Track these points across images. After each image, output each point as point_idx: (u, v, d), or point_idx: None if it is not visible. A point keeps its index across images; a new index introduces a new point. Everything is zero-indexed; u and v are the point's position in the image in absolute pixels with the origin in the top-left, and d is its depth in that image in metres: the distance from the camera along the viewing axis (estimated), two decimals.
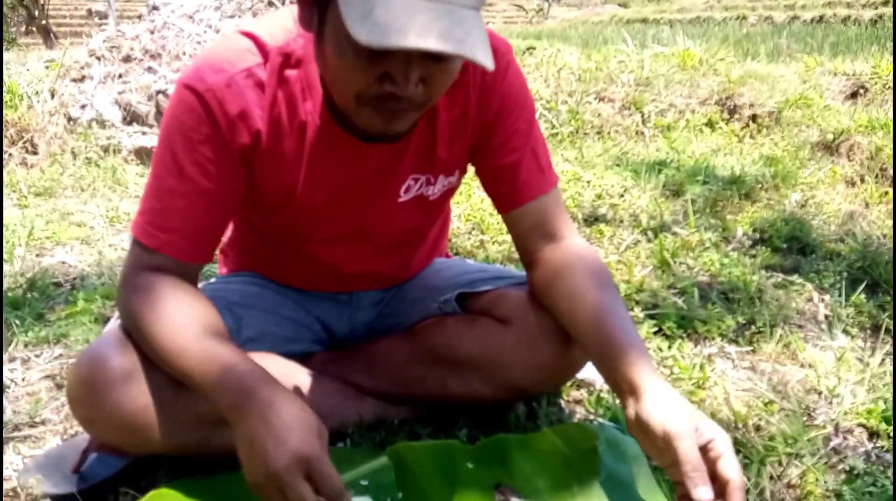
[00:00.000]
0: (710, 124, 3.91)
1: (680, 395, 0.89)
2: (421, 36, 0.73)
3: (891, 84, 3.97)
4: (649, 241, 2.21)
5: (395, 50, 0.75)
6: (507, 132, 1.07)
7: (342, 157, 1.01)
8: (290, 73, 0.96)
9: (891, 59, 4.35)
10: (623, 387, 0.92)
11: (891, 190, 2.70)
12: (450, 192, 1.16)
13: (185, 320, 0.92)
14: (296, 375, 1.16)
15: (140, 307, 0.94)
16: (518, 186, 1.08)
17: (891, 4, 11.86)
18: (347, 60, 0.82)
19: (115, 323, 1.05)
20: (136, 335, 0.95)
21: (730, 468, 0.81)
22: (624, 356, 0.92)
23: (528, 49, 5.11)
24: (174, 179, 0.95)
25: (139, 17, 3.82)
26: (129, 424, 0.93)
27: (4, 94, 3.30)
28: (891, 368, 1.45)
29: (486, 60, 0.78)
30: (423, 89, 0.84)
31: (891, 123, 3.16)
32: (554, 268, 1.06)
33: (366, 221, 1.10)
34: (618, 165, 3.18)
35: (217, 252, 1.37)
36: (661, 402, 0.86)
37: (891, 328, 1.64)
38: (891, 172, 2.82)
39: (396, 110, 0.85)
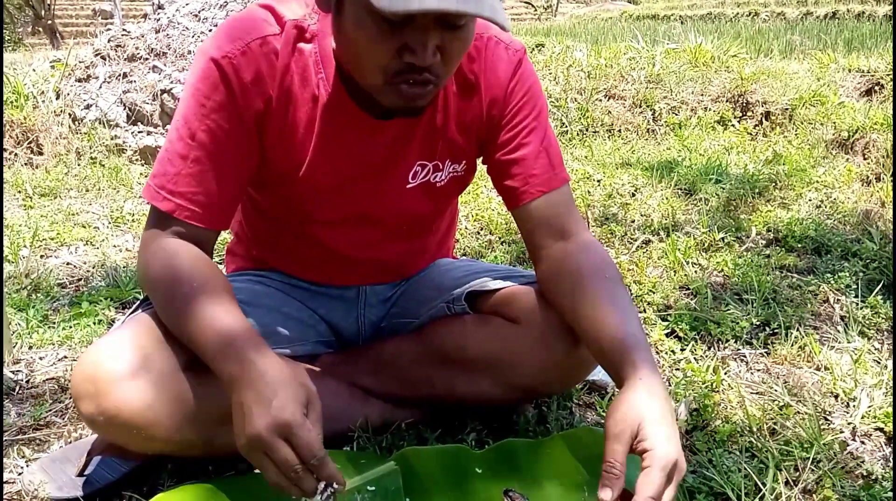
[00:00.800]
0: (723, 122, 3.87)
1: (653, 395, 0.85)
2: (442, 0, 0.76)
3: None
4: (661, 241, 2.18)
5: (417, 13, 0.77)
6: (518, 128, 1.07)
7: (352, 132, 1.02)
8: (305, 46, 0.98)
9: None
10: (616, 380, 0.93)
11: None
12: (458, 182, 1.14)
13: (197, 283, 0.92)
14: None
15: (155, 267, 0.95)
16: (528, 181, 1.07)
17: None
18: (367, 34, 0.84)
19: (120, 323, 1.04)
20: (151, 296, 0.97)
21: (645, 484, 0.78)
22: (617, 349, 0.92)
23: (537, 46, 5.09)
24: (187, 146, 0.96)
25: (144, 16, 3.81)
26: (134, 420, 0.91)
27: (10, 94, 3.30)
28: None
29: (504, 21, 0.81)
30: (440, 59, 0.86)
31: None
32: (560, 264, 1.05)
33: (372, 204, 1.10)
34: (629, 164, 3.15)
35: (224, 253, 1.36)
36: (623, 399, 0.86)
37: None
38: None
39: (418, 83, 0.87)
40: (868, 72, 4.20)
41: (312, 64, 0.98)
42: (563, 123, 3.77)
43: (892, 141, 2.96)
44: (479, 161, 1.15)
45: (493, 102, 1.06)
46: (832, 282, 1.84)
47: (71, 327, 1.60)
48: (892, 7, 11.91)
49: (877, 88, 4.09)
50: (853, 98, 4.02)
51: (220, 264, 1.56)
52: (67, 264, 2.06)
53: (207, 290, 0.91)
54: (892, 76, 4.00)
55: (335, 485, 0.81)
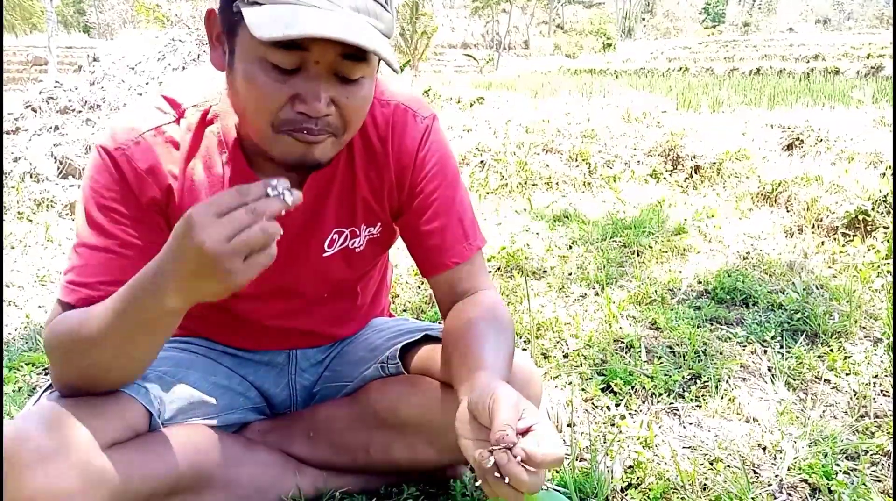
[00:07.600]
0: (655, 175, 4.01)
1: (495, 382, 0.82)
2: (324, 27, 0.77)
3: (823, 137, 4.15)
4: (597, 294, 2.22)
5: (297, 38, 0.78)
6: (430, 199, 1.08)
7: None
8: (209, 128, 0.99)
9: (819, 112, 4.55)
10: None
11: (826, 240, 2.79)
12: (377, 244, 1.15)
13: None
14: (228, 447, 1.10)
15: (60, 333, 0.92)
16: (442, 252, 1.09)
17: (820, 59, 12.55)
18: (258, 83, 0.84)
19: (40, 397, 1.00)
20: (67, 358, 0.92)
21: (501, 411, 0.75)
22: (475, 375, 0.87)
23: (477, 100, 5.21)
24: (91, 237, 0.96)
25: (79, 68, 3.75)
26: None
27: None
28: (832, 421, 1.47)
29: (393, 60, 0.82)
30: (336, 113, 0.87)
31: (823, 177, 3.28)
32: (453, 319, 1.05)
33: (290, 276, 1.09)
34: (566, 217, 3.22)
35: None
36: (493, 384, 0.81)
37: (829, 379, 1.66)
38: (826, 222, 2.92)
39: (313, 133, 0.86)
40: (789, 128, 4.44)
41: (217, 145, 0.99)
42: (503, 177, 3.84)
43: (893, 160, 3.12)
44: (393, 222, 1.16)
45: (402, 169, 1.07)
46: (759, 333, 1.90)
47: None
48: (808, 64, 12.68)
49: (797, 142, 4.32)
50: (776, 152, 4.23)
51: None
52: None
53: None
54: (817, 131, 4.24)
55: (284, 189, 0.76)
